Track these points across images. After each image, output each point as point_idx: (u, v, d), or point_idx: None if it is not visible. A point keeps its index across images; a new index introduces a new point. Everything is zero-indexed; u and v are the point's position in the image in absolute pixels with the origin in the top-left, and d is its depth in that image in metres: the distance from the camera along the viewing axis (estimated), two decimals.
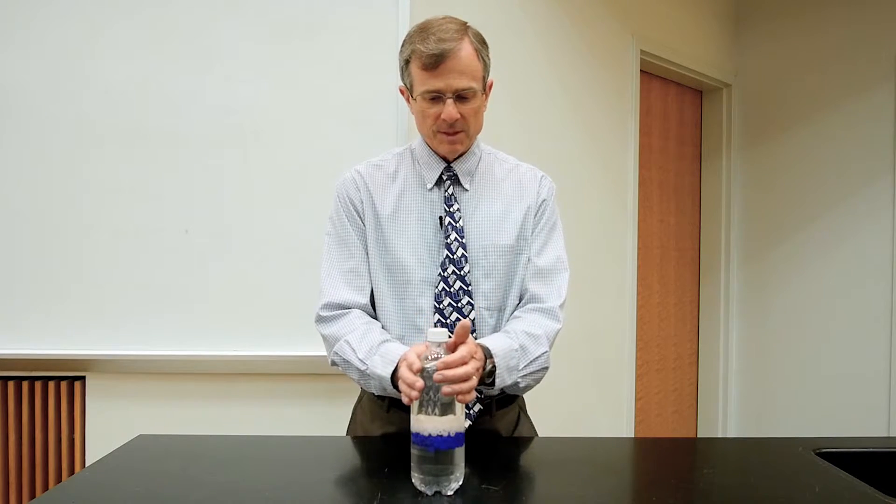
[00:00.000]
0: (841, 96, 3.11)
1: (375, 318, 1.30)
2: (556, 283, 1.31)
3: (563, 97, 2.57)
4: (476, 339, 1.23)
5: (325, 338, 1.27)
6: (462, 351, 1.01)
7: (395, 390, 1.12)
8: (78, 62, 1.89)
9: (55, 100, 1.89)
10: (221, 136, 1.93)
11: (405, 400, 1.01)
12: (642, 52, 2.91)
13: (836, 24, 3.13)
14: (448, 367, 0.97)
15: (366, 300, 1.28)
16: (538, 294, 1.29)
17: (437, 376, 0.96)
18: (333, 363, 1.26)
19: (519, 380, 1.20)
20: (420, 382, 0.96)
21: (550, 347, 1.26)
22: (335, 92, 1.96)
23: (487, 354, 1.13)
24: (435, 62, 1.17)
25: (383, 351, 1.16)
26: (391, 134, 1.96)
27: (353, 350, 1.19)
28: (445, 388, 0.96)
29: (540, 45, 2.47)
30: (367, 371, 1.16)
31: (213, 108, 1.93)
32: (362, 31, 1.96)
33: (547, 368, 1.26)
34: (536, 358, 1.22)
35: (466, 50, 1.20)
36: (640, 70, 2.93)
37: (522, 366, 1.20)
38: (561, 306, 1.30)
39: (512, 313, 1.30)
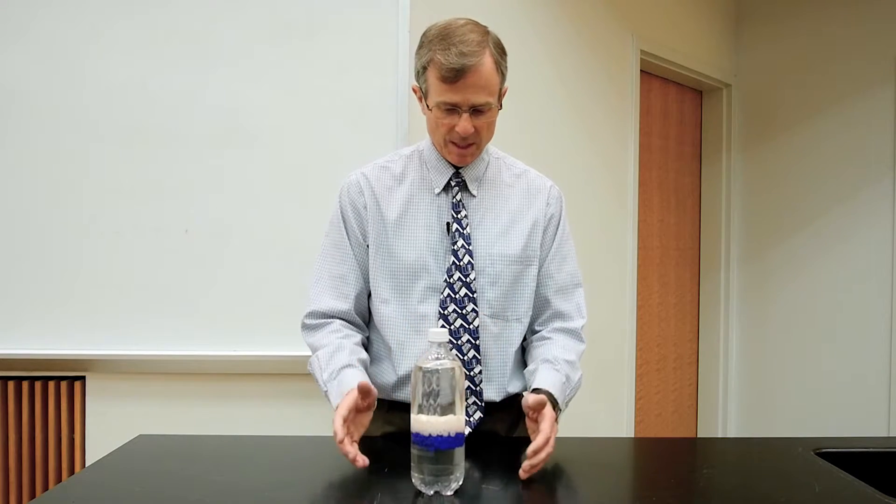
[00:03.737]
0: (841, 96, 3.11)
1: (361, 324, 1.31)
2: (576, 301, 1.34)
3: (563, 97, 2.57)
4: (478, 346, 1.24)
5: (307, 345, 1.30)
6: (546, 431, 1.04)
7: None
8: (78, 62, 1.89)
9: (55, 100, 1.89)
10: (221, 136, 1.93)
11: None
12: (642, 52, 2.91)
13: (836, 24, 3.13)
14: (537, 452, 1.01)
15: (349, 307, 1.28)
16: (563, 311, 1.32)
17: (525, 466, 1.00)
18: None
19: (563, 407, 1.23)
20: (360, 461, 1.00)
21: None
22: (335, 92, 1.95)
23: (555, 403, 1.15)
24: (455, 76, 1.15)
25: (342, 378, 1.16)
26: (391, 134, 1.96)
27: (321, 369, 1.21)
28: (525, 467, 1.01)
29: (540, 46, 2.47)
30: (327, 394, 1.18)
31: (214, 108, 1.93)
32: (362, 31, 1.96)
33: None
34: (576, 384, 1.26)
35: (487, 65, 1.17)
36: (640, 70, 2.93)
37: (568, 392, 1.22)
38: (583, 327, 1.33)
39: (521, 326, 1.30)
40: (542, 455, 1.01)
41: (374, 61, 1.96)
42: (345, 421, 1.03)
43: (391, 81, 1.96)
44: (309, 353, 1.28)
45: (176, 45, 1.92)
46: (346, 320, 1.29)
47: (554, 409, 1.12)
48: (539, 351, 1.28)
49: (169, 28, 1.91)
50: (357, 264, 1.29)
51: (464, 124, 1.18)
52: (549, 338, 1.30)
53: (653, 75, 3.15)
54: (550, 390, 1.15)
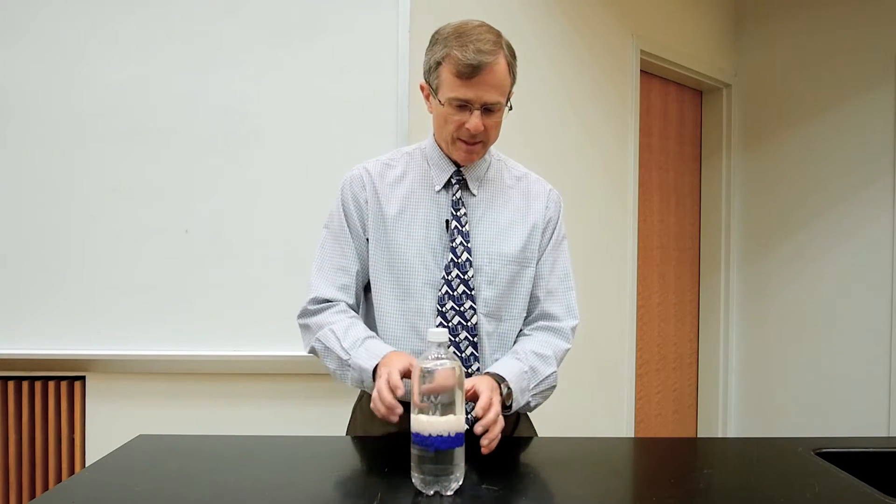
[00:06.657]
0: (841, 96, 3.11)
1: (361, 315, 1.32)
2: (566, 302, 1.34)
3: (563, 97, 2.57)
4: (476, 343, 1.26)
5: (306, 327, 1.29)
6: (485, 396, 1.04)
7: (372, 384, 1.13)
8: (78, 62, 1.89)
9: (55, 100, 1.89)
10: (221, 136, 1.93)
11: (379, 411, 1.05)
12: (642, 52, 2.91)
13: (836, 24, 3.13)
14: (486, 411, 1.02)
15: (352, 300, 1.30)
16: (552, 313, 1.32)
17: (479, 431, 1.01)
18: (312, 350, 1.27)
19: (530, 399, 1.23)
20: (400, 409, 1.00)
21: (558, 366, 1.29)
22: (335, 92, 1.96)
23: (499, 380, 1.14)
24: (471, 73, 1.17)
25: (369, 345, 1.18)
26: (391, 134, 1.96)
27: (338, 339, 1.21)
28: (483, 442, 1.02)
29: (540, 46, 2.47)
30: (349, 361, 1.18)
31: (214, 108, 1.93)
32: (362, 32, 1.96)
33: (555, 387, 1.28)
34: (546, 377, 1.25)
35: (501, 65, 1.20)
36: (640, 70, 2.93)
37: (533, 385, 1.22)
38: (573, 328, 1.33)
39: (515, 326, 1.31)
40: (491, 415, 1.03)
41: (374, 61, 1.96)
42: (401, 372, 1.04)
43: (391, 81, 1.96)
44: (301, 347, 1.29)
45: (176, 45, 1.92)
46: (349, 306, 1.30)
47: (506, 392, 1.14)
48: (514, 346, 1.29)
49: (169, 28, 1.91)
50: (357, 257, 1.30)
51: (474, 121, 1.20)
52: (528, 335, 1.31)
53: (653, 75, 3.15)
54: (500, 371, 1.16)
